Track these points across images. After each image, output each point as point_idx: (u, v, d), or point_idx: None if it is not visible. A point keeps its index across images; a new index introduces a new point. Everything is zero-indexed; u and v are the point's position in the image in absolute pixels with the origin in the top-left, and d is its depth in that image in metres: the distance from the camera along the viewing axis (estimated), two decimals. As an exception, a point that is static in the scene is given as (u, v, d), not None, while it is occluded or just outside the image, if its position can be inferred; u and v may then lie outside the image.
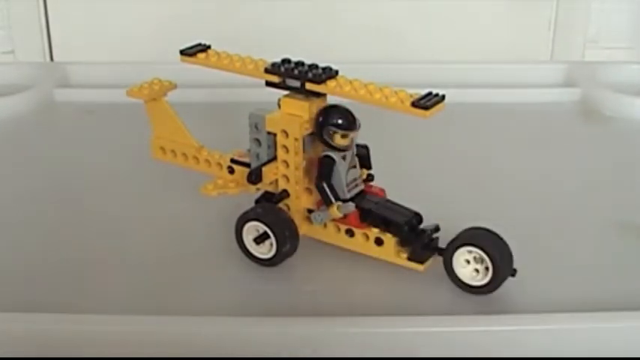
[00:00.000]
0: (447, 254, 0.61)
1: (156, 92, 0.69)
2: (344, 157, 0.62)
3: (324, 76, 0.61)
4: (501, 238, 0.60)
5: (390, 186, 0.66)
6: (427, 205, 0.64)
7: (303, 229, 0.65)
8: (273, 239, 0.62)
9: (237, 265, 0.64)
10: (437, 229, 0.63)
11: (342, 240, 0.64)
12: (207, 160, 0.69)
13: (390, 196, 0.65)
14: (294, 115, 0.63)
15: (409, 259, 0.62)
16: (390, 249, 0.62)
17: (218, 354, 0.56)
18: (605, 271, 0.65)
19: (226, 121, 0.87)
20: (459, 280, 0.60)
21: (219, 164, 0.68)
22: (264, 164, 0.64)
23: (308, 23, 1.13)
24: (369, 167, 0.66)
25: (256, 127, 0.64)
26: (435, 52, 1.13)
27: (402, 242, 0.62)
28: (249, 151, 0.66)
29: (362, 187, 0.64)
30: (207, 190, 0.66)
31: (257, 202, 0.66)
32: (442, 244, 0.62)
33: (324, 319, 0.57)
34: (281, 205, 0.64)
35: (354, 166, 0.64)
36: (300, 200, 0.64)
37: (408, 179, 0.75)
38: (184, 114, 0.71)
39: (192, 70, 0.68)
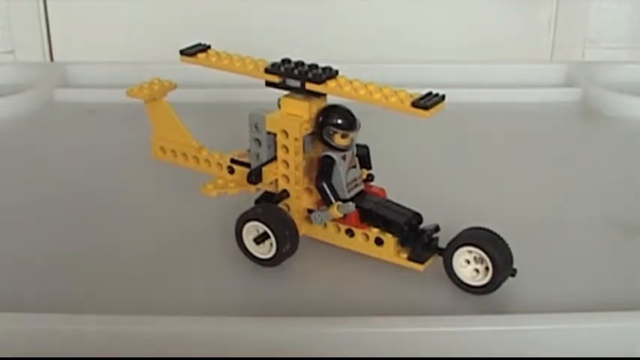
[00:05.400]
0: (447, 254, 0.61)
1: (156, 92, 0.69)
2: (344, 157, 0.62)
3: (324, 76, 0.61)
4: (501, 238, 0.60)
5: (390, 186, 0.66)
6: (427, 205, 0.64)
7: (303, 229, 0.65)
8: (273, 239, 0.62)
9: (237, 265, 0.64)
10: (437, 229, 0.62)
11: (342, 240, 0.64)
12: (207, 160, 0.69)
13: (390, 196, 0.65)
14: (294, 115, 0.63)
15: (409, 259, 0.62)
16: (390, 249, 0.62)
17: (218, 354, 0.56)
18: (605, 271, 0.64)
19: (226, 121, 0.87)
20: (459, 280, 0.60)
21: (219, 164, 0.68)
22: (264, 164, 0.64)
23: (308, 23, 1.13)
24: (369, 167, 0.66)
25: (256, 127, 0.64)
26: (434, 52, 1.13)
27: (402, 242, 0.62)
28: (249, 151, 0.66)
29: (362, 187, 0.64)
30: (207, 190, 0.66)
31: (257, 202, 0.66)
32: (442, 244, 0.62)
33: (324, 319, 0.57)
34: (281, 205, 0.64)
35: (354, 166, 0.64)
36: (300, 200, 0.64)
37: (408, 179, 0.75)
38: (184, 114, 0.71)
39: (192, 70, 0.68)
